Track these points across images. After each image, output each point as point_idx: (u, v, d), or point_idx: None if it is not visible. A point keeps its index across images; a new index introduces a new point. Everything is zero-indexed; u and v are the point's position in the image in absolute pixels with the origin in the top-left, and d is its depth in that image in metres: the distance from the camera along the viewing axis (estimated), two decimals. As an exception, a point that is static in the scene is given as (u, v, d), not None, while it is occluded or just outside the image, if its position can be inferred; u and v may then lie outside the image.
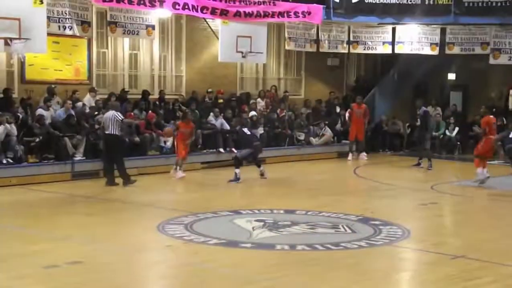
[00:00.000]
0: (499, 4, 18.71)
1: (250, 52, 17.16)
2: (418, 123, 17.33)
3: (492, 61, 19.71)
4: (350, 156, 18.66)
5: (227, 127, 17.17)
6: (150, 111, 16.46)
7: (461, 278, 7.19)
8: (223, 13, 16.46)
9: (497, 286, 6.96)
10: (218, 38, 17.21)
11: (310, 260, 7.93)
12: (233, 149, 16.40)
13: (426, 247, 8.81)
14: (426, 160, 16.86)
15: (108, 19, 15.45)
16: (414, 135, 18.43)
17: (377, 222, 9.97)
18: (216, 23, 17.47)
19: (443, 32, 19.64)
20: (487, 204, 12.22)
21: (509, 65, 19.85)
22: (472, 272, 7.41)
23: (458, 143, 20.04)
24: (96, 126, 14.69)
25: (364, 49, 20.37)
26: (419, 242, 9.17)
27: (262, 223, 9.84)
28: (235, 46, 16.89)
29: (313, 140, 19.29)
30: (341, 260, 7.98)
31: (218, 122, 17.23)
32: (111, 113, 13.27)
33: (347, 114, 19.27)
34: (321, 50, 19.79)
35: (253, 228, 9.55)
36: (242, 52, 17.02)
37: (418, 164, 17.04)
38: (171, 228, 9.48)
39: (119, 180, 13.31)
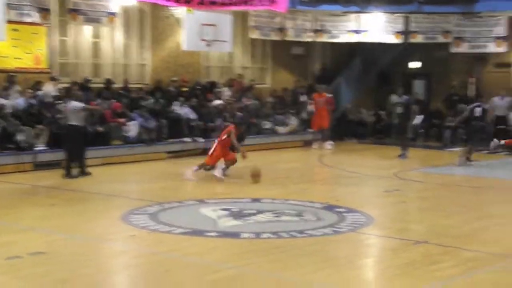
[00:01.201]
0: (461, -8, 18.99)
1: (215, 40, 17.08)
2: (400, 111, 16.96)
3: (453, 49, 20.02)
4: (315, 145, 18.77)
5: (193, 115, 17.09)
6: (114, 101, 16.28)
7: (423, 263, 7.30)
8: (187, 1, 16.34)
9: (458, 270, 7.08)
10: (182, 27, 17.08)
11: (275, 247, 7.96)
12: (199, 138, 16.33)
13: (390, 233, 8.92)
14: (401, 149, 16.58)
15: (69, 6, 15.19)
16: (394, 123, 17.70)
17: (341, 210, 10.05)
18: (181, 11, 17.32)
19: (406, 20, 19.83)
20: (449, 191, 12.41)
21: (470, 53, 20.17)
22: (434, 257, 7.53)
23: (421, 130, 20.30)
24: (58, 116, 14.46)
25: (329, 38, 20.47)
26: (383, 228, 9.27)
27: (227, 212, 9.84)
28: (200, 35, 16.80)
29: (279, 128, 19.32)
30: (306, 247, 8.02)
31: (183, 110, 17.13)
32: (73, 103, 13.08)
33: (310, 105, 19.29)
34: (286, 38, 19.82)
35: (218, 217, 9.54)
36: (206, 41, 16.92)
37: (403, 155, 16.52)
38: (135, 218, 9.42)
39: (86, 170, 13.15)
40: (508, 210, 10.48)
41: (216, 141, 13.17)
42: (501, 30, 19.30)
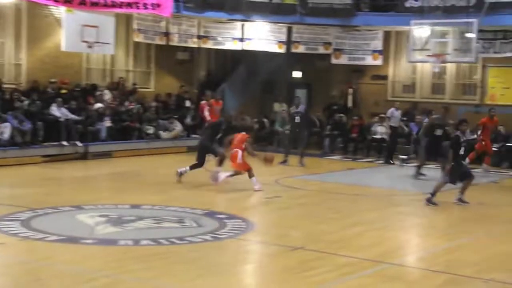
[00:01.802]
0: (340, 6, 19.68)
1: (97, 42, 16.63)
2: (297, 120, 17.06)
3: (333, 61, 20.73)
4: None
5: (72, 118, 16.51)
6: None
7: (300, 268, 7.43)
8: (67, 1, 15.81)
9: (332, 275, 7.27)
10: (62, 26, 16.50)
11: (154, 255, 7.82)
12: (77, 142, 15.82)
13: (269, 239, 9.03)
14: (299, 157, 16.72)
15: None
16: (287, 132, 17.79)
17: (222, 216, 10.06)
18: (60, 11, 16.71)
19: (289, 31, 20.29)
20: (327, 198, 12.77)
21: (349, 65, 20.97)
22: (310, 263, 7.70)
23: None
24: None
25: (214, 44, 20.54)
26: (263, 235, 9.38)
27: (105, 219, 9.56)
28: (81, 36, 16.29)
29: (163, 134, 19.10)
30: (186, 254, 7.94)
31: (61, 113, 16.51)
32: None
33: (206, 112, 18.80)
34: (171, 43, 19.66)
35: (96, 223, 9.25)
36: (88, 42, 16.44)
37: (284, 162, 16.66)
38: (5, 224, 8.94)
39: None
40: (381, 217, 10.93)
41: (237, 150, 12.77)
42: (377, 44, 20.20)
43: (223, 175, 12.83)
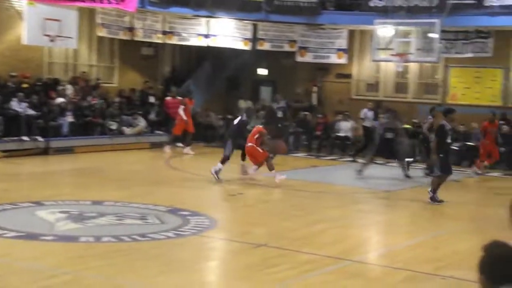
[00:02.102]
0: (306, 4, 19.75)
1: (59, 36, 16.38)
2: (280, 115, 17.15)
3: (298, 58, 20.80)
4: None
5: (33, 113, 16.24)
6: None
7: (262, 265, 7.44)
8: (30, -7, 15.53)
9: (294, 272, 7.30)
10: (23, 19, 16.20)
11: (115, 251, 7.74)
12: (38, 137, 15.56)
13: (232, 236, 9.03)
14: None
15: None
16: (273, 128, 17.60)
17: (185, 213, 10.01)
18: (22, 3, 16.41)
19: (255, 28, 20.29)
20: (291, 195, 12.83)
21: (314, 63, 21.07)
22: (272, 260, 7.71)
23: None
24: None
25: (179, 40, 20.41)
26: (225, 231, 9.37)
27: (66, 215, 9.43)
28: (43, 29, 16.02)
29: (126, 129, 18.91)
30: (148, 251, 7.89)
31: (22, 107, 16.22)
32: None
33: (181, 111, 18.56)
34: (135, 38, 19.47)
35: (56, 220, 9.12)
36: (50, 36, 16.18)
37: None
38: (-37, 221, 8.74)
39: None
40: (343, 214, 11.01)
41: (251, 144, 13.35)
42: (342, 42, 20.33)
43: (251, 169, 13.62)
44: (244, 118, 14.39)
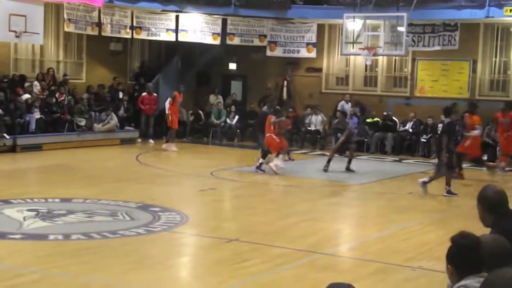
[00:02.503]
0: (275, -2, 19.75)
1: (25, 32, 16.12)
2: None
3: (269, 53, 20.79)
4: (168, 145, 18.07)
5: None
6: None
7: (234, 260, 7.44)
8: (-6, -12, 15.25)
9: (266, 266, 7.31)
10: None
11: (85, 249, 7.67)
12: (5, 135, 15.30)
13: (203, 232, 9.00)
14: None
15: None
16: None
17: (156, 209, 9.95)
18: (-13, -1, 16.09)
19: (224, 22, 20.22)
20: (262, 189, 12.84)
21: (284, 57, 21.09)
22: (244, 254, 7.71)
23: (238, 130, 20.85)
24: None
25: (148, 35, 20.24)
26: (197, 227, 9.33)
27: (34, 213, 9.30)
28: (8, 25, 15.74)
29: (97, 126, 18.70)
30: (118, 248, 7.82)
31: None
32: None
33: (167, 104, 18.37)
34: (103, 34, 19.24)
35: (24, 218, 8.99)
36: (15, 32, 15.92)
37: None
38: None
39: None
40: (314, 208, 11.06)
41: (269, 134, 13.90)
42: (312, 36, 20.37)
43: (276, 162, 13.96)
44: (265, 109, 14.96)
